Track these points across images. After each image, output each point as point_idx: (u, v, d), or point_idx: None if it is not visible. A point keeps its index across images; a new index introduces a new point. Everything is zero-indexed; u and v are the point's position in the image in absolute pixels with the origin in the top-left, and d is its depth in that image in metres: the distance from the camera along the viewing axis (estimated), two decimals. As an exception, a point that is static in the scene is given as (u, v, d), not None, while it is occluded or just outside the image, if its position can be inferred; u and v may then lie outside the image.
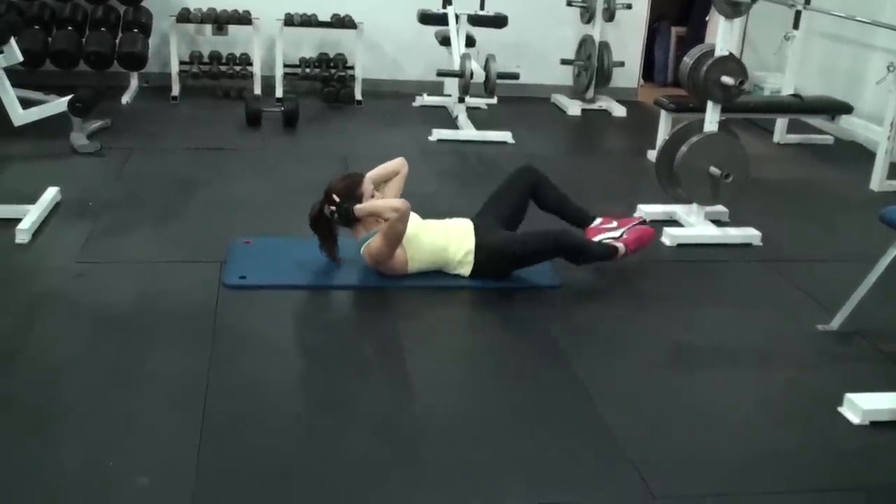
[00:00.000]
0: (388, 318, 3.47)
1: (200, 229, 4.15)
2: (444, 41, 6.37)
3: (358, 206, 3.59)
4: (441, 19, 6.26)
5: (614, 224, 3.93)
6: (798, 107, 5.80)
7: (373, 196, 3.66)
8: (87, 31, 6.35)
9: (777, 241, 4.36)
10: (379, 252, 3.57)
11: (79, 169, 4.91)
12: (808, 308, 3.65)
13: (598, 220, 3.97)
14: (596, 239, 3.87)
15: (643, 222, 4.00)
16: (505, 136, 5.94)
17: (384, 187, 3.81)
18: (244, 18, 6.58)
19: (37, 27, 6.14)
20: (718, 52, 4.19)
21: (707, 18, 7.61)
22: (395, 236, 3.53)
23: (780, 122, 6.35)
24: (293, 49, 6.82)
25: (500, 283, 3.69)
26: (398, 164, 3.89)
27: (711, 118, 4.29)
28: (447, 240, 3.67)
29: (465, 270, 3.67)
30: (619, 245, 3.79)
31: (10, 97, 4.51)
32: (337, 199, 3.60)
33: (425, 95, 6.86)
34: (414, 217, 3.64)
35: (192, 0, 6.70)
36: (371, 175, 3.76)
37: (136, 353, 3.02)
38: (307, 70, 6.81)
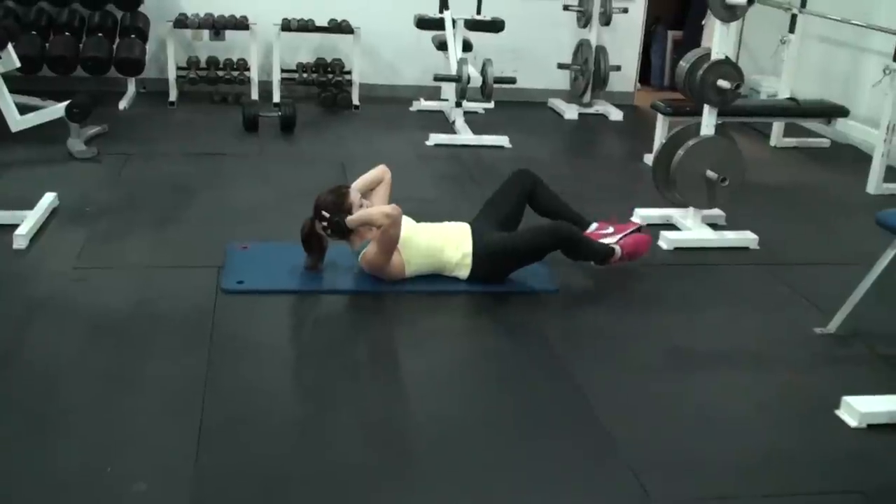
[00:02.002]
0: (385, 323, 3.47)
1: (198, 234, 4.15)
2: (441, 46, 6.38)
3: (350, 218, 3.59)
4: (438, 24, 6.27)
5: (611, 230, 3.93)
6: (794, 110, 5.82)
7: (361, 206, 3.67)
8: (85, 36, 6.36)
9: (774, 244, 4.36)
10: (375, 259, 3.57)
11: (76, 174, 4.91)
12: (805, 311, 3.66)
13: (595, 226, 3.98)
14: (613, 246, 3.85)
15: (639, 229, 3.98)
16: (502, 140, 5.94)
17: (371, 195, 3.82)
18: (241, 24, 6.59)
19: (34, 33, 6.15)
20: (714, 56, 4.19)
21: (703, 22, 7.62)
22: (390, 242, 3.54)
23: (777, 126, 6.36)
24: (290, 54, 6.83)
25: (497, 286, 3.70)
26: (381, 171, 3.90)
27: (708, 122, 4.30)
28: (443, 241, 3.68)
29: (463, 273, 3.68)
30: (616, 248, 3.80)
31: (8, 103, 4.51)
32: (327, 214, 3.61)
33: (422, 100, 6.86)
34: (408, 220, 3.65)
35: (189, 5, 6.71)
36: (356, 185, 3.77)
37: (134, 358, 3.02)
38: (304, 75, 6.82)
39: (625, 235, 3.89)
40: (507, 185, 3.99)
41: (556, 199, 4.03)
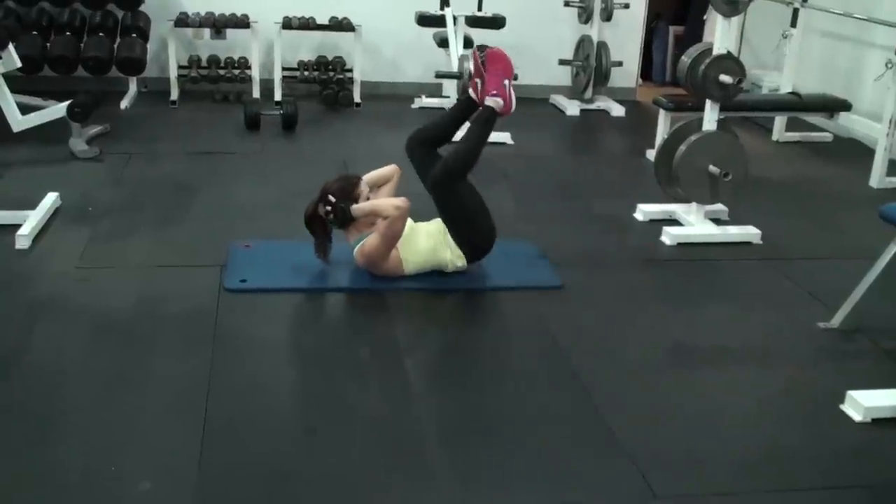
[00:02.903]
0: (388, 320, 3.47)
1: (200, 233, 4.15)
2: (442, 43, 6.37)
3: (356, 206, 3.59)
4: (439, 21, 6.27)
5: (479, 82, 3.78)
6: (796, 105, 5.81)
7: (368, 199, 3.66)
8: (86, 36, 6.36)
9: (777, 239, 4.36)
10: (374, 252, 3.56)
11: (78, 174, 4.91)
12: (808, 306, 3.65)
13: (473, 94, 3.82)
14: (486, 104, 3.73)
15: (482, 49, 3.81)
16: (504, 136, 5.93)
17: (377, 192, 3.81)
18: (242, 22, 6.58)
19: (35, 33, 6.15)
20: (716, 51, 4.19)
21: (705, 17, 7.61)
22: (394, 235, 3.53)
23: (779, 120, 6.35)
24: (291, 52, 6.83)
25: (499, 283, 3.69)
26: (392, 170, 3.88)
27: (710, 117, 4.29)
28: (434, 241, 3.67)
29: (462, 263, 3.67)
30: (489, 101, 3.69)
31: (9, 103, 4.52)
32: (332, 198, 3.60)
33: (424, 97, 6.86)
34: (408, 220, 3.63)
35: (190, 4, 6.71)
36: (366, 178, 3.77)
37: (137, 357, 3.03)
38: (306, 73, 6.82)
39: (488, 76, 3.72)
40: (415, 166, 3.85)
41: (439, 125, 3.92)
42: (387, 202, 3.56)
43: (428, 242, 3.67)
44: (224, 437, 2.60)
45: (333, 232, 3.71)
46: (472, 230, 3.69)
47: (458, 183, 3.66)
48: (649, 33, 8.05)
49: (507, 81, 3.73)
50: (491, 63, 3.75)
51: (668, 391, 3.00)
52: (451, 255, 3.66)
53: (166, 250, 3.94)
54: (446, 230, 3.67)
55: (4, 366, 2.94)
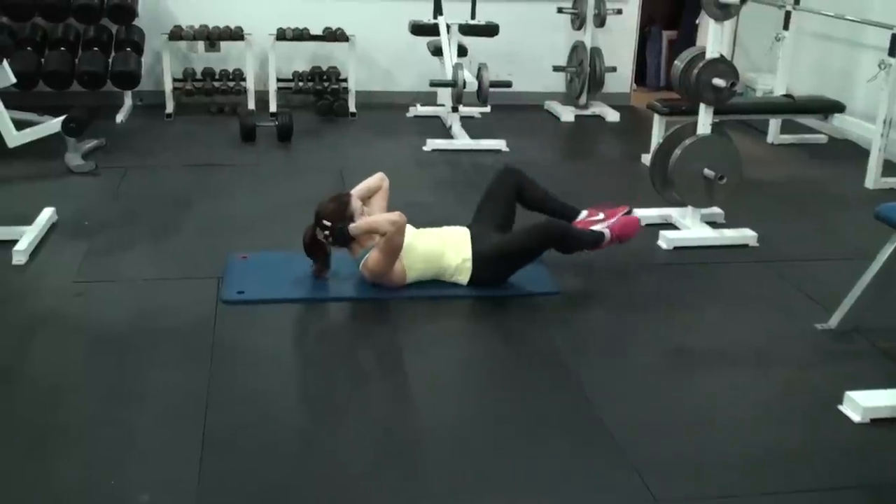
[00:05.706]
0: (386, 329, 3.47)
1: (197, 246, 4.15)
2: (436, 51, 6.38)
3: (353, 226, 3.59)
4: (432, 30, 6.28)
5: (601, 216, 3.92)
6: (790, 107, 5.82)
7: (362, 213, 3.67)
8: (80, 51, 6.36)
9: (773, 241, 4.36)
10: (378, 266, 3.57)
11: (74, 189, 4.91)
12: (806, 307, 3.65)
13: (585, 213, 3.97)
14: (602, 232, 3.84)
15: (629, 212, 3.97)
16: (499, 144, 5.95)
17: (369, 203, 3.82)
18: (236, 34, 6.59)
19: (29, 48, 6.16)
20: (709, 55, 4.20)
21: (697, 21, 7.63)
22: (394, 249, 3.53)
23: (774, 123, 6.36)
24: (286, 63, 6.84)
25: (498, 290, 3.69)
26: (379, 179, 3.89)
27: (704, 120, 4.30)
28: (443, 247, 3.68)
29: (464, 278, 3.67)
30: (605, 231, 3.80)
31: (4, 119, 4.51)
32: (328, 223, 3.60)
33: (419, 106, 6.87)
34: (408, 227, 3.64)
35: (184, 17, 6.72)
36: (356, 192, 3.77)
37: (136, 370, 3.03)
38: (300, 84, 6.83)
39: (615, 220, 3.86)
40: (494, 185, 4.00)
41: (543, 193, 4.04)
42: (383, 219, 3.56)
43: (433, 248, 3.67)
44: (223, 448, 2.60)
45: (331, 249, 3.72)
46: (503, 271, 3.72)
47: (542, 244, 3.70)
48: (643, 38, 8.07)
49: (618, 237, 3.83)
50: (627, 220, 3.89)
51: (667, 394, 3.00)
52: (458, 265, 3.67)
53: (163, 263, 3.94)
54: (470, 241, 3.69)
55: (3, 380, 2.94)
